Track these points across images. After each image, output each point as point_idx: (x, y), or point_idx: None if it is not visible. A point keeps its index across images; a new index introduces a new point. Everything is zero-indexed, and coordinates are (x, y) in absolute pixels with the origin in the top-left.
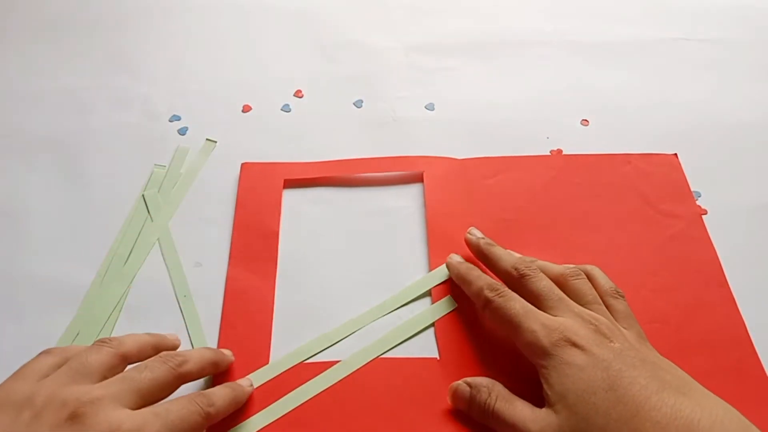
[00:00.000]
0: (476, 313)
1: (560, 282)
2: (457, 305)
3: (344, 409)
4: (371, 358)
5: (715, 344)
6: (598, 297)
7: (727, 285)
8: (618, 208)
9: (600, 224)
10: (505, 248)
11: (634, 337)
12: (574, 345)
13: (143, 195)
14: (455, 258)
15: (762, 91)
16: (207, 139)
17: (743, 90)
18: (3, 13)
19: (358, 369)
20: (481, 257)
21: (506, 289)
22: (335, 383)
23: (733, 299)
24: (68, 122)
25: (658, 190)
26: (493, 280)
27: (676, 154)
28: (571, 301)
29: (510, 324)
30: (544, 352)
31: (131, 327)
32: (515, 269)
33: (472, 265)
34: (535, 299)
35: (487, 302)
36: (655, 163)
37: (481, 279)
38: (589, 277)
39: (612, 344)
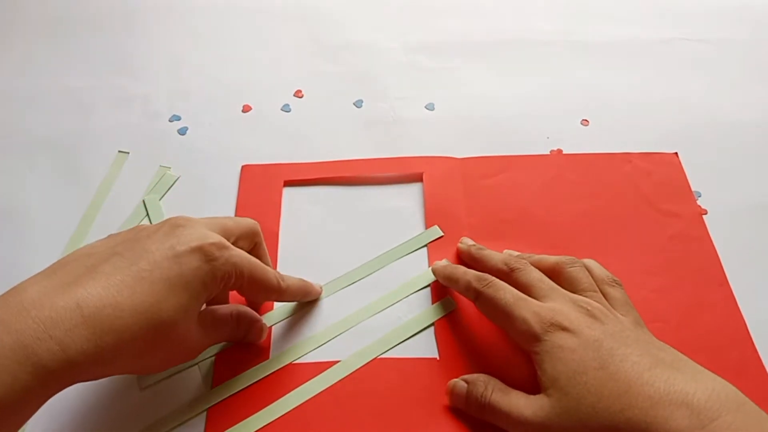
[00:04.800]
0: (476, 313)
1: (556, 271)
2: (456, 305)
3: (344, 409)
4: (371, 358)
5: (716, 344)
6: (594, 285)
7: (728, 284)
8: (618, 208)
9: (600, 224)
10: (505, 248)
11: (630, 322)
12: (565, 329)
13: (144, 200)
14: (439, 263)
15: (762, 91)
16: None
17: (743, 90)
18: (3, 13)
19: (357, 369)
20: (473, 262)
21: (494, 279)
22: (335, 383)
23: (734, 298)
24: (68, 122)
25: (659, 189)
26: (480, 273)
27: (676, 153)
28: (564, 290)
29: (501, 314)
30: (535, 339)
31: None
32: (505, 264)
33: (456, 264)
34: (527, 291)
35: (477, 294)
36: (655, 162)
37: (468, 273)
38: (586, 268)
39: (604, 326)
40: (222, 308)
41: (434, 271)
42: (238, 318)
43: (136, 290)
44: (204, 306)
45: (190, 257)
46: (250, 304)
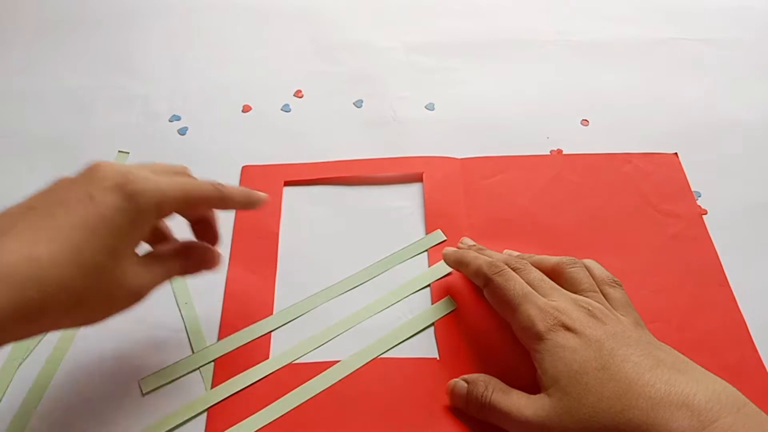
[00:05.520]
0: (476, 313)
1: (557, 271)
2: (456, 305)
3: (344, 409)
4: (371, 358)
5: (716, 344)
6: (595, 285)
7: (728, 284)
8: (618, 208)
9: (600, 224)
10: (505, 248)
11: (630, 322)
12: (568, 328)
13: None
14: (449, 248)
15: (762, 90)
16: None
17: (743, 90)
18: (3, 13)
19: (357, 369)
20: None
21: (506, 267)
22: (335, 383)
23: (734, 298)
24: (68, 122)
25: (659, 189)
26: (492, 259)
27: (676, 154)
28: (564, 290)
29: (508, 305)
30: (538, 337)
31: (128, 327)
32: (506, 264)
33: (467, 250)
34: None
35: (487, 281)
36: (655, 163)
37: (479, 258)
38: (587, 269)
39: (605, 326)
40: (166, 245)
41: (445, 256)
42: (187, 251)
43: (55, 240)
44: (145, 245)
45: (110, 197)
46: (199, 232)
